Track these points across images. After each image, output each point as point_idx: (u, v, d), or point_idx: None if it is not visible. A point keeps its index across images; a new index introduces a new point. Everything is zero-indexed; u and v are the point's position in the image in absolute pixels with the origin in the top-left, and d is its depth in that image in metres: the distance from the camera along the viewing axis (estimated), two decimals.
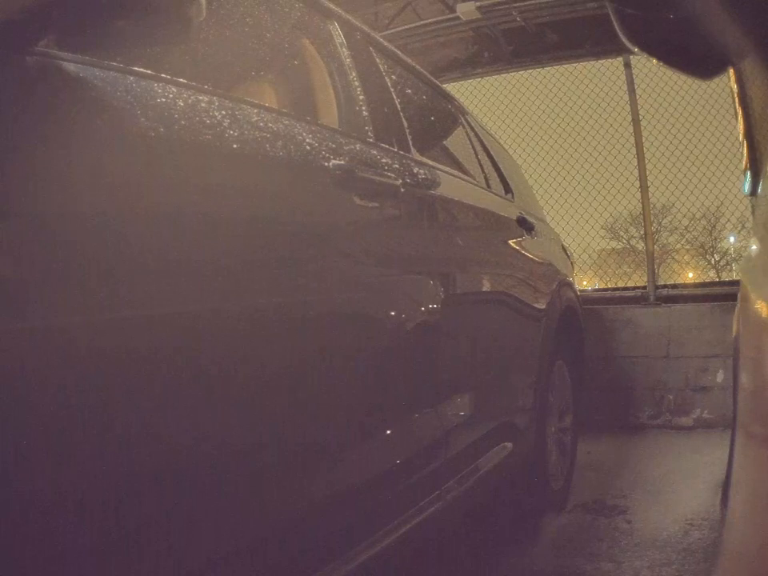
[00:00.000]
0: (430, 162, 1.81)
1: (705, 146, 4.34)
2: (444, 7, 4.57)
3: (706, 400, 3.71)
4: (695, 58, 0.72)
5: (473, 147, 2.49)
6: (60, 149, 0.78)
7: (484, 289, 1.99)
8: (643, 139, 4.28)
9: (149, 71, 0.95)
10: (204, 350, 0.95)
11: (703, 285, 5.49)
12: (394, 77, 1.88)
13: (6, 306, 0.70)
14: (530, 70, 4.95)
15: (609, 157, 4.66)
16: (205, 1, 0.87)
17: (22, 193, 0.73)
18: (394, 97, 1.78)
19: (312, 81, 1.56)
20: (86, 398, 0.78)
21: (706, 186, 4.42)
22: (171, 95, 0.96)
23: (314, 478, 1.19)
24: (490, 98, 4.96)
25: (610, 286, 5.38)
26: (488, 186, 2.38)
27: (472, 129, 2.55)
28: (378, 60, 1.80)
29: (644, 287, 4.22)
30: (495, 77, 4.98)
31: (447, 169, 1.97)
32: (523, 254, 2.34)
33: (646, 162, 4.30)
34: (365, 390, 1.34)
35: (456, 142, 2.49)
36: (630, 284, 5.55)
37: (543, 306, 2.40)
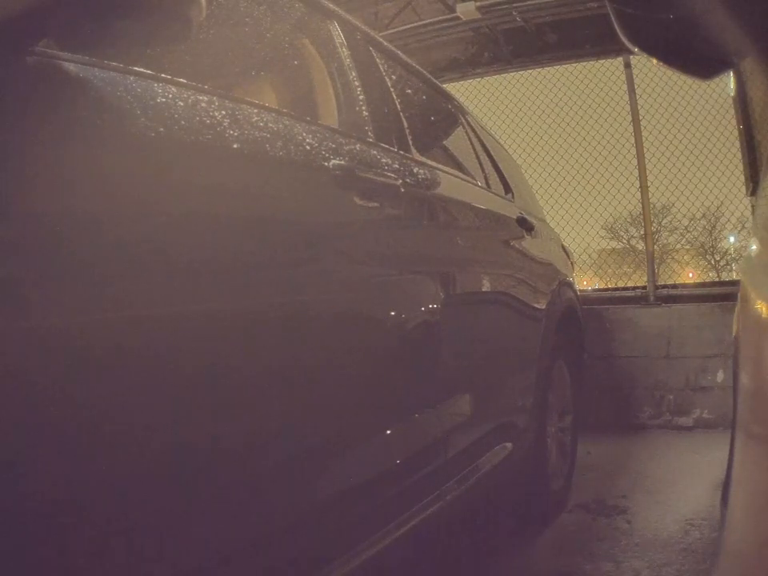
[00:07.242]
0: (430, 162, 1.81)
1: (705, 145, 4.34)
2: (444, 7, 4.57)
3: (706, 400, 3.71)
4: (695, 58, 0.72)
5: (473, 147, 2.49)
6: (60, 149, 0.78)
7: (484, 289, 1.99)
8: (643, 139, 4.28)
9: (149, 71, 0.95)
10: (203, 349, 0.94)
11: (703, 285, 5.48)
12: (394, 77, 1.88)
13: (6, 305, 0.70)
14: (530, 70, 4.95)
15: (609, 157, 4.66)
16: (205, 1, 0.87)
17: (22, 193, 0.73)
18: (394, 97, 1.78)
19: (312, 81, 1.56)
20: (89, 397, 0.78)
21: (706, 186, 4.42)
22: (171, 95, 0.96)
23: (314, 478, 1.19)
24: (490, 98, 4.96)
25: (610, 286, 5.39)
26: (488, 186, 2.38)
27: (472, 129, 2.55)
28: (378, 60, 1.80)
29: (644, 287, 4.22)
30: (495, 77, 4.98)
31: (447, 169, 1.97)
32: (523, 254, 2.34)
33: (646, 161, 4.30)
34: (364, 390, 1.34)
35: (456, 142, 2.49)
36: (630, 284, 5.54)
37: (543, 306, 2.40)
